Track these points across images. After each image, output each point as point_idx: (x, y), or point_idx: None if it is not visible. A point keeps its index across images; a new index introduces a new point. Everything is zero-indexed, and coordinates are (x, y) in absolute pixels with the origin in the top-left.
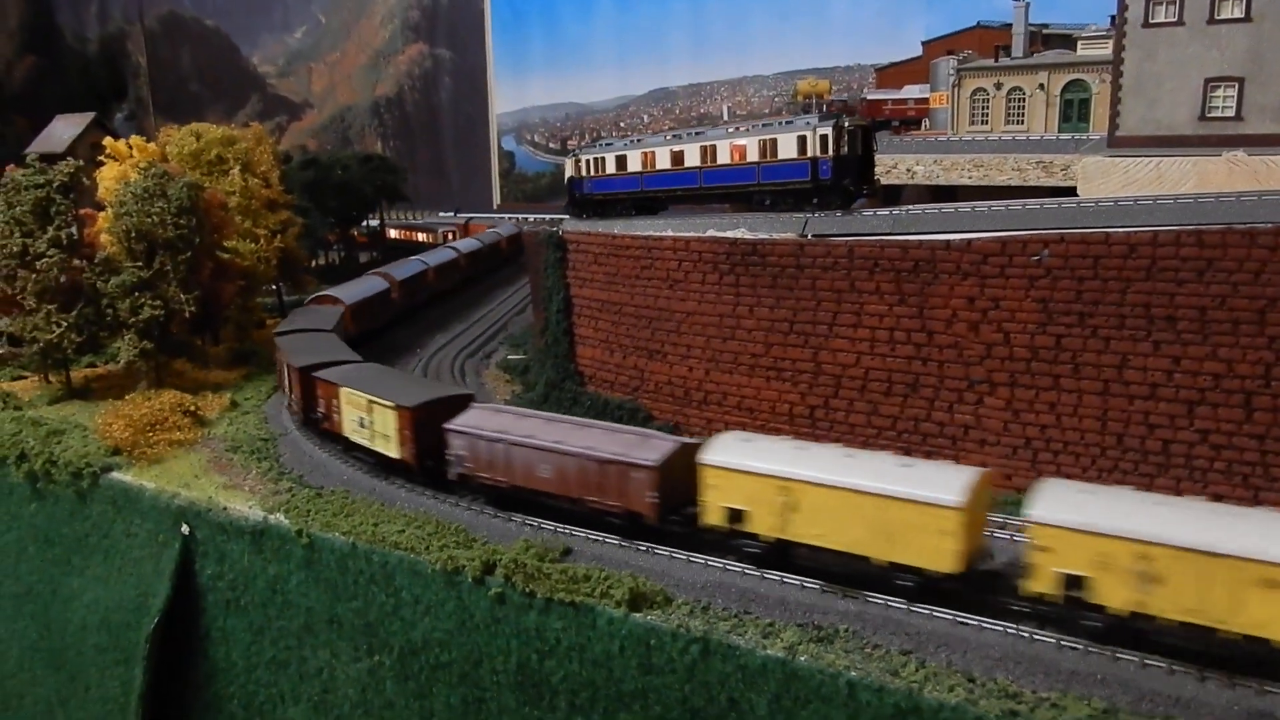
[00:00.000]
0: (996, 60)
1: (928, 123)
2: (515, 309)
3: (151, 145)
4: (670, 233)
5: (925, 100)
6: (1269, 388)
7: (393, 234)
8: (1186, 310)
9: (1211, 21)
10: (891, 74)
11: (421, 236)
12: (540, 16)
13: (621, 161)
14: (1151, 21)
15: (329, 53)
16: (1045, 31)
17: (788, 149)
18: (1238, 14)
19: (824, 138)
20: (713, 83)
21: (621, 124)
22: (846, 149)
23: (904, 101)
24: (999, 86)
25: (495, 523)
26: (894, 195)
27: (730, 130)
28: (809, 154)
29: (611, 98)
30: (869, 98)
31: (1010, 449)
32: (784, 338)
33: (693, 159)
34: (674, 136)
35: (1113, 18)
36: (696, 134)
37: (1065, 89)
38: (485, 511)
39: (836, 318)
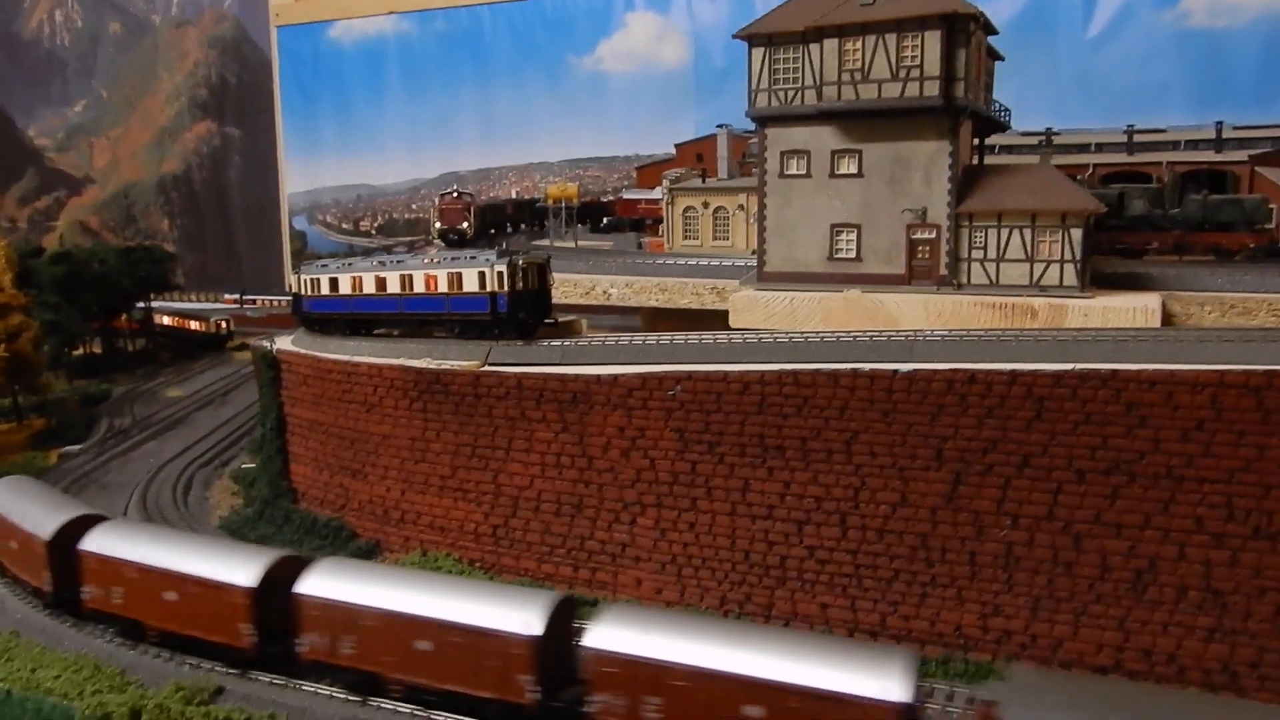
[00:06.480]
0: (704, 182)
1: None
2: None
3: None
4: (366, 359)
5: None
6: (858, 509)
7: (166, 321)
8: (791, 441)
9: (833, 176)
10: (649, 172)
11: (194, 325)
12: (331, 100)
13: (334, 284)
14: (786, 173)
15: (112, 128)
16: None
17: (471, 282)
18: (852, 170)
19: (500, 274)
20: (501, 168)
21: (414, 206)
22: (522, 284)
23: (655, 201)
24: (706, 205)
25: (155, 663)
26: None
27: (426, 260)
28: (488, 288)
29: (403, 180)
30: (625, 197)
31: (660, 565)
32: (467, 461)
33: (394, 286)
34: (379, 263)
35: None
36: (398, 262)
37: None
38: (150, 651)
39: (511, 443)
